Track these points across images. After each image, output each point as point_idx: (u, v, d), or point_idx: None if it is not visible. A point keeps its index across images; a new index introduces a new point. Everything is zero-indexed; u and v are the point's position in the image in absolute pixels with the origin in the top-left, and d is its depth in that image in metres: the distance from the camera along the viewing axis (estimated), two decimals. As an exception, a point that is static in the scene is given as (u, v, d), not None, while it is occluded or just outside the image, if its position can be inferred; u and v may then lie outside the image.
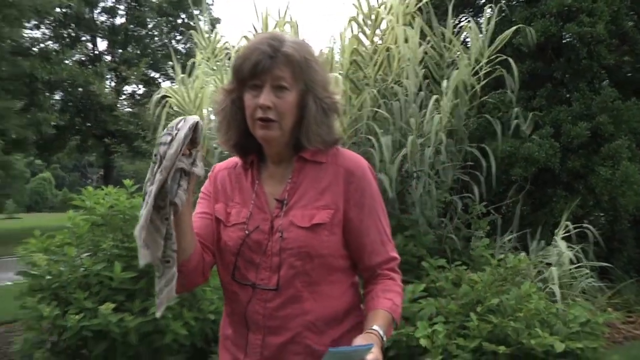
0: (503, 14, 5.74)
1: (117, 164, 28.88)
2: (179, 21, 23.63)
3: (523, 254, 4.59)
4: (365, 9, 5.39)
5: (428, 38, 5.68)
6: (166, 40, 22.66)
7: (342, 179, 1.46)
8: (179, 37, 23.50)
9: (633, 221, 6.46)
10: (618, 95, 6.00)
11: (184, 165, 1.26)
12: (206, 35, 7.14)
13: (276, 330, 1.44)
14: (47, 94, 16.33)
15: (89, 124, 19.70)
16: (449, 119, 5.38)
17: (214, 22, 24.96)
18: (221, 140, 1.52)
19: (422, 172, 5.28)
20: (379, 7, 5.27)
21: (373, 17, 5.32)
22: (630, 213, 6.17)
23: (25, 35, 17.69)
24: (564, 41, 6.20)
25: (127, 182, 4.20)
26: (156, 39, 21.98)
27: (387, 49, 5.38)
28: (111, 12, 22.59)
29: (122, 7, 22.89)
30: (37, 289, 3.64)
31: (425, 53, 5.60)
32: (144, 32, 22.27)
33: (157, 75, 23.72)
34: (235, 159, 1.59)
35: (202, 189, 1.60)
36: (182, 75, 6.04)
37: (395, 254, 1.54)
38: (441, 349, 3.83)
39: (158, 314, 1.39)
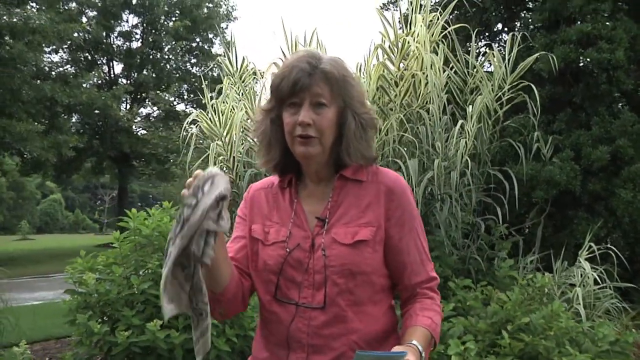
0: (525, 41, 5.89)
1: (131, 186, 29.19)
2: (194, 44, 24.01)
3: (549, 274, 4.70)
4: (392, 37, 5.59)
5: (451, 64, 5.86)
6: (180, 64, 23.00)
7: (383, 196, 1.47)
8: (193, 60, 23.86)
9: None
10: (637, 119, 6.14)
11: (209, 227, 1.24)
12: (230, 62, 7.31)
13: (320, 349, 1.43)
14: (66, 116, 16.63)
15: (104, 146, 20.00)
16: (472, 143, 5.53)
17: (228, 45, 25.47)
18: (263, 160, 1.52)
19: (448, 194, 5.43)
20: (406, 35, 5.44)
21: (400, 44, 5.50)
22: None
23: (45, 59, 18.03)
24: (581, 65, 6.36)
25: (165, 203, 4.37)
26: (172, 62, 22.30)
27: (413, 75, 5.57)
28: (127, 36, 23.01)
29: (138, 31, 23.32)
30: (84, 307, 3.79)
31: (449, 78, 5.78)
32: (159, 55, 22.64)
33: (172, 98, 24.04)
34: (271, 179, 1.60)
35: (238, 211, 1.60)
36: (213, 101, 6.21)
37: (435, 274, 1.54)
38: (471, 368, 3.95)
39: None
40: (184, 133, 6.68)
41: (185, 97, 23.40)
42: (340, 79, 1.41)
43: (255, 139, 1.55)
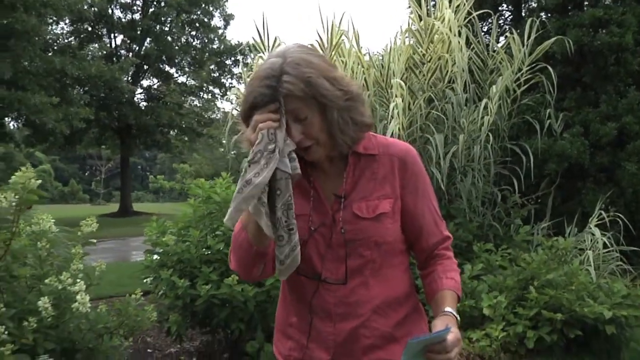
0: (540, 25, 6.35)
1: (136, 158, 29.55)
2: (193, 17, 24.13)
3: (562, 239, 5.26)
4: (421, 21, 6.04)
5: (472, 46, 6.32)
6: (182, 37, 23.16)
7: (397, 167, 1.51)
8: (193, 33, 24.04)
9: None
10: (641, 98, 6.67)
11: (290, 147, 1.36)
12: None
13: (346, 316, 1.47)
14: (75, 89, 16.89)
15: (110, 118, 20.31)
16: (494, 120, 6.03)
17: (227, 18, 25.63)
18: None
19: (470, 167, 5.96)
20: (435, 19, 5.89)
21: (428, 28, 5.95)
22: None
23: (49, 32, 18.16)
24: (591, 47, 6.84)
25: (224, 174, 4.86)
26: (175, 35, 22.49)
27: (439, 57, 6.03)
28: (128, 8, 23.12)
29: (139, 2, 23.41)
30: (165, 265, 4.30)
31: (471, 60, 6.25)
32: (161, 28, 22.79)
33: (172, 70, 24.24)
34: None
35: None
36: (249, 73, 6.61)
37: (448, 233, 1.59)
38: (501, 317, 4.53)
39: (283, 278, 1.45)
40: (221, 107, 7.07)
41: (187, 69, 23.60)
42: (307, 89, 1.34)
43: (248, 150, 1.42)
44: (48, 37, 17.68)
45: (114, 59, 21.79)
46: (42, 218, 3.40)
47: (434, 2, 6.24)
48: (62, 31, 21.13)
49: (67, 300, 3.14)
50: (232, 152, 6.41)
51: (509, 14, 8.18)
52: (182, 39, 23.49)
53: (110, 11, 22.06)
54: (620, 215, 5.85)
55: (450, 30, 5.79)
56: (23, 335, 2.87)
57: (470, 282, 4.91)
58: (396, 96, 5.46)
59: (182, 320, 4.18)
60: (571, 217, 6.44)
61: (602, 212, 5.79)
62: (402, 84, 5.56)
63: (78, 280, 3.18)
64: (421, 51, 6.08)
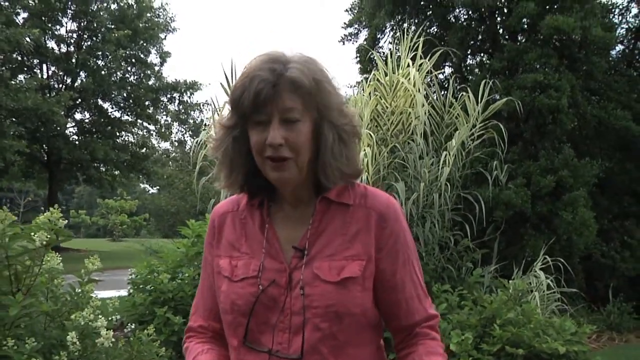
0: (489, 84, 7.02)
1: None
2: (131, 52, 24.07)
3: (517, 280, 5.79)
4: (386, 77, 6.57)
5: (430, 102, 6.91)
6: (119, 72, 23.02)
7: (374, 223, 1.25)
8: (130, 69, 23.93)
9: (581, 257, 7.90)
10: (575, 154, 7.46)
11: None
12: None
13: None
14: (9, 121, 16.44)
15: (48, 152, 19.79)
16: (449, 170, 6.59)
17: (164, 55, 25.70)
18: (225, 183, 1.30)
19: (429, 213, 6.46)
20: (399, 76, 6.43)
21: (393, 84, 6.48)
22: (582, 251, 7.60)
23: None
24: (531, 109, 7.61)
25: (208, 216, 5.09)
26: (113, 70, 22.32)
27: (401, 112, 6.56)
28: (62, 40, 22.80)
29: (74, 35, 23.13)
30: (158, 302, 4.46)
31: (429, 114, 6.82)
32: (98, 62, 22.59)
33: (106, 105, 23.95)
34: (236, 197, 1.37)
35: (204, 247, 1.41)
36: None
37: (434, 312, 1.32)
38: (466, 353, 4.95)
39: None
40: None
41: (122, 105, 23.39)
42: (313, 86, 1.17)
43: (214, 158, 1.30)
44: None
45: (46, 91, 21.33)
46: (52, 256, 3.55)
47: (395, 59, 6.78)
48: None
49: (89, 335, 3.30)
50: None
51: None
52: (118, 74, 23.33)
53: (44, 42, 21.67)
54: (561, 260, 6.48)
55: (414, 86, 6.33)
56: (52, 370, 3.01)
57: (436, 321, 5.32)
58: (367, 145, 5.90)
59: (175, 356, 4.33)
60: (515, 261, 7.05)
61: (547, 256, 6.41)
62: (372, 134, 6.02)
63: (99, 317, 3.36)
64: (385, 104, 6.59)
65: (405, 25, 7.89)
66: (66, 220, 3.46)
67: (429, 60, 6.59)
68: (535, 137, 7.61)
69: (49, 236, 3.20)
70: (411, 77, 6.30)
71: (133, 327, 4.41)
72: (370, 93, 6.68)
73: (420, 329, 1.28)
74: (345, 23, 11.58)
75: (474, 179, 7.52)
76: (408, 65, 6.58)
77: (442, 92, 7.04)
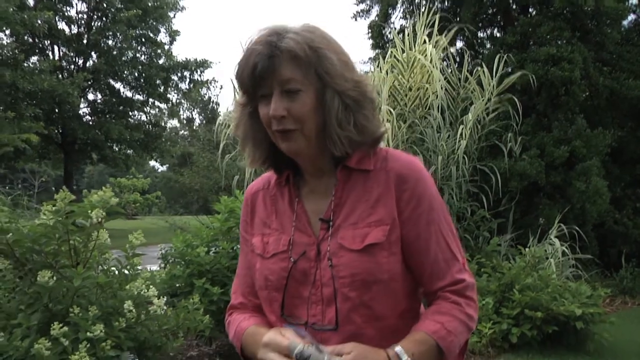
0: (504, 58, 7.17)
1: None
2: (140, 32, 24.16)
3: (534, 248, 6.03)
4: (403, 54, 6.75)
5: (446, 77, 7.08)
6: (131, 52, 23.16)
7: (393, 186, 1.21)
8: (141, 49, 24.05)
9: (594, 225, 8.11)
10: (587, 125, 7.63)
11: None
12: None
13: None
14: (26, 103, 16.71)
15: (63, 133, 20.12)
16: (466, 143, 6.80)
17: (173, 34, 25.78)
18: (249, 160, 1.30)
19: (447, 185, 6.68)
20: (416, 53, 6.60)
21: (411, 60, 6.66)
22: (595, 219, 7.81)
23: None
24: (544, 81, 7.76)
25: (237, 192, 5.35)
26: (124, 50, 22.47)
27: (418, 87, 6.75)
28: (72, 21, 22.94)
29: (84, 16, 23.25)
30: (195, 274, 4.73)
31: (446, 90, 7.00)
32: (109, 42, 22.73)
33: (118, 85, 24.14)
34: (267, 175, 1.39)
35: (240, 225, 1.42)
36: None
37: (463, 276, 1.24)
38: (487, 317, 5.21)
39: None
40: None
41: (133, 84, 23.59)
42: (311, 54, 1.15)
43: (237, 137, 1.31)
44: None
45: (58, 72, 21.53)
46: (101, 232, 3.81)
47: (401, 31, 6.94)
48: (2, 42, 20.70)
49: (141, 304, 3.57)
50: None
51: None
52: (129, 53, 23.47)
53: (55, 24, 21.80)
54: (575, 227, 6.71)
55: (431, 62, 6.51)
56: (113, 334, 3.29)
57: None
58: (387, 121, 6.11)
59: (214, 324, 4.62)
60: (529, 230, 7.28)
61: (562, 224, 6.63)
62: (391, 110, 6.23)
63: (151, 287, 3.63)
64: (403, 80, 6.78)
65: (418, 1, 8.06)
66: (116, 199, 3.69)
67: (445, 37, 6.75)
68: (548, 109, 7.78)
69: (104, 213, 3.45)
70: (428, 53, 6.48)
71: (166, 298, 4.68)
72: (387, 70, 6.86)
73: (442, 293, 1.22)
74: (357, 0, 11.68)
75: (488, 151, 7.71)
76: (424, 42, 6.75)
77: (456, 66, 7.20)
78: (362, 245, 1.18)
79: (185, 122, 39.75)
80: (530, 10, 8.77)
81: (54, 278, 3.22)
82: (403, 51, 6.82)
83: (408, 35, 6.81)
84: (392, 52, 6.89)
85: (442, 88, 6.55)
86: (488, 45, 9.33)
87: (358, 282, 1.17)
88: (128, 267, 3.74)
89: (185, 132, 40.26)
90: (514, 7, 8.78)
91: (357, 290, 1.17)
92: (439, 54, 6.74)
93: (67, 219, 3.35)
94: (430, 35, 6.87)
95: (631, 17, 9.39)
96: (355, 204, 1.23)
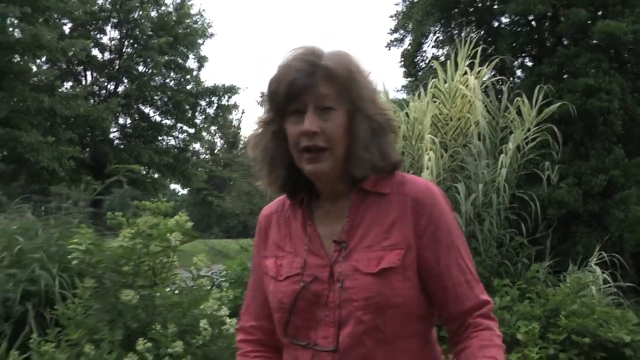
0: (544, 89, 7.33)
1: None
2: (171, 58, 24.75)
3: (578, 274, 6.14)
4: (445, 84, 6.96)
5: (486, 106, 7.26)
6: (160, 78, 23.75)
7: (410, 210, 1.23)
8: (172, 75, 24.64)
9: (632, 254, 8.18)
10: (625, 154, 7.76)
11: None
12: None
13: None
14: (64, 128, 17.23)
15: (98, 158, 20.65)
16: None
17: (202, 60, 26.39)
18: (266, 181, 1.30)
19: (487, 212, 6.83)
20: (459, 84, 6.81)
21: (453, 91, 6.87)
22: (633, 247, 7.89)
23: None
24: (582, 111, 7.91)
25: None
26: (155, 76, 23.07)
27: (459, 118, 6.94)
28: (110, 50, 23.61)
29: (115, 43, 23.91)
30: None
31: (485, 118, 7.18)
32: (140, 69, 23.36)
33: (147, 110, 24.68)
34: (283, 198, 1.39)
35: (254, 245, 1.45)
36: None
37: (486, 297, 1.27)
38: (534, 342, 5.31)
39: None
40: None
41: (163, 109, 24.13)
42: (347, 76, 1.19)
43: (254, 157, 1.30)
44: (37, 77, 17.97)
45: (90, 97, 22.12)
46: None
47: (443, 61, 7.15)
48: (38, 69, 21.36)
49: (214, 323, 3.76)
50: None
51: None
52: (158, 79, 24.05)
53: (89, 51, 22.49)
54: (617, 255, 6.80)
55: (472, 92, 6.71)
56: (191, 351, 3.47)
57: (501, 312, 5.71)
58: (430, 149, 6.29)
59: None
60: (566, 257, 7.38)
61: (603, 252, 6.73)
62: (435, 139, 6.41)
63: (222, 307, 3.82)
64: (445, 111, 6.97)
65: (462, 34, 8.27)
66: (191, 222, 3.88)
67: (486, 68, 6.96)
68: (586, 138, 7.93)
69: (182, 236, 3.66)
70: (470, 84, 6.67)
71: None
72: (428, 100, 7.06)
73: (472, 319, 1.23)
74: (391, 29, 11.98)
75: (525, 179, 7.84)
76: (465, 73, 6.95)
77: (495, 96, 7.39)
78: (377, 268, 1.19)
79: (206, 146, 40.32)
80: (564, 41, 8.98)
81: (137, 297, 3.43)
82: (445, 81, 7.02)
83: (451, 66, 7.02)
84: (434, 82, 7.10)
85: (483, 117, 6.73)
86: (521, 75, 9.52)
87: (372, 306, 1.18)
88: (195, 287, 3.94)
89: (207, 156, 40.83)
90: (549, 38, 8.99)
91: (371, 313, 1.18)
92: (480, 85, 6.93)
93: (150, 241, 3.58)
94: (470, 66, 7.08)
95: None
96: (370, 226, 1.24)
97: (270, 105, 1.24)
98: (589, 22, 8.02)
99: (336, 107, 1.18)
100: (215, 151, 40.28)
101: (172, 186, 40.38)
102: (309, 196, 1.31)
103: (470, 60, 7.21)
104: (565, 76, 8.04)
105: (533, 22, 8.85)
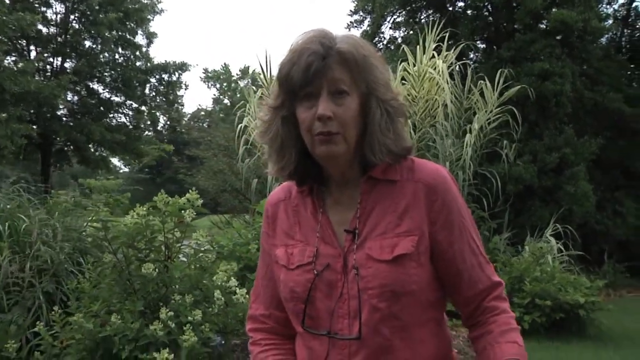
0: (504, 73, 7.83)
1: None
2: (119, 34, 24.26)
3: (536, 244, 6.70)
4: (414, 67, 7.34)
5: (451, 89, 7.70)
6: (110, 54, 23.28)
7: (423, 197, 1.20)
8: (120, 51, 24.16)
9: (579, 225, 8.87)
10: (575, 134, 8.39)
11: None
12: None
13: None
14: (13, 105, 16.71)
15: (47, 135, 20.15)
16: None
17: (150, 36, 25.96)
18: (276, 168, 1.28)
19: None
20: (428, 66, 7.20)
21: (422, 74, 7.25)
22: (580, 219, 8.57)
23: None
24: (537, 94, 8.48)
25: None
26: (105, 52, 22.60)
27: (426, 100, 7.36)
28: (57, 25, 22.91)
29: (58, 17, 23.22)
30: (249, 269, 5.20)
31: (451, 100, 7.62)
32: (88, 44, 22.81)
33: (96, 85, 24.19)
34: (288, 185, 1.36)
35: (261, 236, 1.40)
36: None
37: (498, 278, 1.26)
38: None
39: None
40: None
41: (112, 86, 23.69)
42: (361, 60, 1.16)
43: (263, 143, 1.29)
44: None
45: (38, 73, 21.51)
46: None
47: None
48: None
49: (224, 293, 4.04)
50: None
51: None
52: (106, 55, 23.56)
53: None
54: (569, 227, 7.42)
55: (440, 76, 7.11)
56: (206, 319, 3.75)
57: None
58: (402, 130, 6.67)
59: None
60: (523, 230, 7.98)
61: (557, 224, 7.33)
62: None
63: (231, 278, 4.10)
64: (414, 92, 7.37)
65: (421, 17, 8.68)
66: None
67: (452, 52, 7.38)
68: (540, 119, 8.49)
69: (194, 213, 3.92)
70: (438, 67, 7.08)
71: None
72: (397, 83, 7.42)
73: (488, 303, 1.23)
74: (351, 10, 12.27)
75: (485, 157, 8.37)
76: (433, 56, 7.35)
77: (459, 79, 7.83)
78: (391, 255, 1.17)
79: (149, 123, 39.74)
80: (517, 27, 9.48)
81: (157, 270, 3.68)
82: (414, 65, 7.40)
83: (419, 49, 7.40)
84: (403, 65, 7.46)
85: (450, 99, 7.16)
86: (482, 60, 10.00)
87: (388, 293, 1.16)
88: (202, 260, 4.21)
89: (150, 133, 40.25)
90: (504, 24, 9.50)
91: (387, 301, 1.16)
92: (447, 68, 7.35)
93: (166, 217, 3.81)
94: (437, 49, 7.48)
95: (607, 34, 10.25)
96: (382, 214, 1.21)
97: (281, 89, 1.20)
98: (542, 11, 8.54)
99: (350, 92, 1.15)
100: (159, 128, 39.73)
101: (115, 163, 39.69)
102: (318, 184, 1.28)
103: (437, 44, 7.61)
104: (525, 61, 8.55)
105: (489, 7, 9.33)
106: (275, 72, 1.37)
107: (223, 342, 3.99)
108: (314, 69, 1.12)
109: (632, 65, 10.34)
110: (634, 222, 9.15)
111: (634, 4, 10.55)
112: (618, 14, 10.48)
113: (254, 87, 8.18)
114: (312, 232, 1.25)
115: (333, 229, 1.23)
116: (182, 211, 3.85)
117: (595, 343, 5.69)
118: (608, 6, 10.49)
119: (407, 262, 1.16)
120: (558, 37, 8.70)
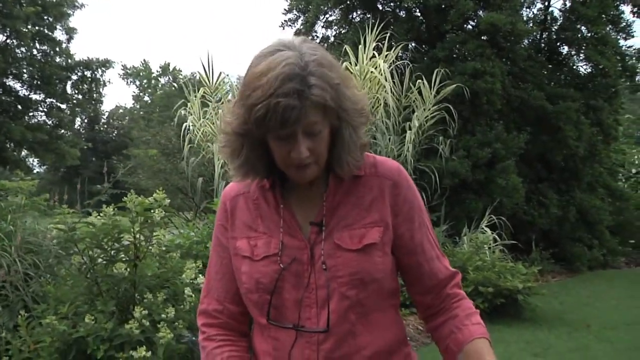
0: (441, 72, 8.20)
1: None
2: (38, 29, 23.31)
3: (476, 235, 7.09)
4: (355, 67, 7.56)
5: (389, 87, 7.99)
6: (27, 50, 22.30)
7: (387, 191, 1.27)
8: (40, 47, 23.21)
9: (509, 216, 9.42)
10: (504, 130, 8.89)
11: None
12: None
13: None
14: None
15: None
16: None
17: (70, 32, 25.04)
18: (239, 179, 1.30)
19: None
20: (368, 66, 7.44)
21: (363, 73, 7.49)
22: (509, 210, 9.09)
23: None
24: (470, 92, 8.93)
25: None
26: (22, 48, 21.61)
27: (369, 98, 7.60)
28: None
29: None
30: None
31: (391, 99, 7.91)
32: (1, 38, 21.74)
33: (13, 82, 23.12)
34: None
35: (215, 230, 1.39)
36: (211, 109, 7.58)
37: (454, 269, 1.35)
38: (445, 295, 6.17)
39: None
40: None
41: (31, 83, 22.71)
42: (334, 97, 1.15)
43: (232, 168, 1.29)
44: None
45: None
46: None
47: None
48: None
49: (195, 291, 4.10)
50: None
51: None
52: (23, 50, 22.57)
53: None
54: (502, 218, 7.89)
55: (381, 74, 7.37)
56: (179, 317, 3.81)
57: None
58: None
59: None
60: (458, 222, 8.40)
61: (492, 215, 7.78)
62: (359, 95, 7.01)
63: (199, 275, 4.17)
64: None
65: (354, 17, 8.92)
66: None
67: (393, 52, 7.66)
68: (472, 116, 8.95)
69: (163, 212, 3.95)
70: (380, 66, 7.34)
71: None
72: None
73: (450, 290, 1.31)
74: (285, 9, 12.38)
75: (423, 152, 8.74)
76: (374, 56, 7.60)
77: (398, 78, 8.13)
78: (360, 245, 1.22)
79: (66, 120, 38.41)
80: (448, 28, 9.91)
81: (128, 270, 3.70)
82: (356, 64, 7.62)
83: (363, 50, 7.62)
84: (345, 65, 7.67)
85: (391, 98, 7.44)
86: (418, 59, 10.36)
87: (357, 281, 1.21)
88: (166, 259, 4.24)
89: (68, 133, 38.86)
90: (436, 26, 9.91)
91: (355, 288, 1.21)
92: (388, 67, 7.62)
93: (139, 218, 3.83)
94: (376, 49, 7.73)
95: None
96: (348, 207, 1.26)
97: (254, 126, 1.15)
98: (472, 13, 8.99)
99: (322, 128, 1.17)
100: (76, 126, 38.38)
101: (32, 163, 38.04)
102: (280, 181, 1.30)
103: (376, 44, 7.87)
104: (458, 61, 8.98)
105: (419, 9, 9.71)
106: (235, 93, 1.31)
107: (194, 338, 4.05)
108: (291, 121, 1.11)
109: (550, 66, 11.04)
110: (556, 212, 9.79)
111: (550, 9, 11.25)
112: (537, 18, 11.14)
113: (193, 86, 8.11)
114: (275, 226, 1.27)
115: (298, 222, 1.27)
116: (150, 211, 3.90)
117: (533, 324, 6.14)
118: (528, 10, 11.14)
119: (374, 252, 1.23)
120: (484, 37, 9.17)
